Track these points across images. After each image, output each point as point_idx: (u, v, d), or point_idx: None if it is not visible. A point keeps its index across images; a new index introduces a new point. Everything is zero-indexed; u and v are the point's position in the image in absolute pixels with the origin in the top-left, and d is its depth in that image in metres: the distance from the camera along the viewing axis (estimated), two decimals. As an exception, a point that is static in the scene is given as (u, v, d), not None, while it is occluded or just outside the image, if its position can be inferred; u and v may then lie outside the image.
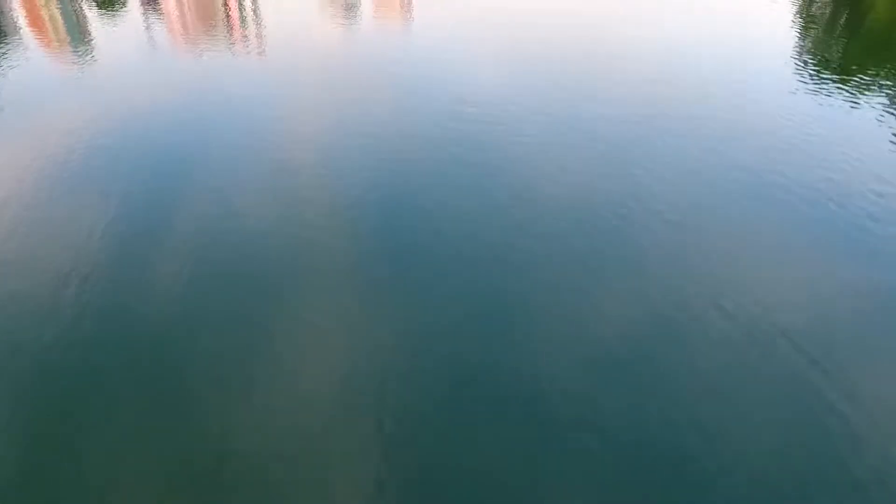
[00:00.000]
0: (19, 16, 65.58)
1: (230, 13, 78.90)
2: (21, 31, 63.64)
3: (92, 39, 65.19)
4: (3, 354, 18.63)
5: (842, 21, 51.50)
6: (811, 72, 41.88)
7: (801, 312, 21.64)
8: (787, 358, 18.77)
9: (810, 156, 31.24)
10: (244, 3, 76.41)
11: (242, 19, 68.75)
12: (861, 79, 39.97)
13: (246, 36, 63.66)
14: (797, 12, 57.30)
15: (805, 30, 52.27)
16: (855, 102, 35.73)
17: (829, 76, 41.93)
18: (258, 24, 71.28)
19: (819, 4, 59.88)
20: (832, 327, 20.57)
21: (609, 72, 56.13)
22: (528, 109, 45.76)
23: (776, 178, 32.23)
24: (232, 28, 65.78)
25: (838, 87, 38.49)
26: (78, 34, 69.83)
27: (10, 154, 35.80)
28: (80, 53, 60.65)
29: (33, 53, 55.67)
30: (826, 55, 45.37)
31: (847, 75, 41.80)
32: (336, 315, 23.39)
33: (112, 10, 74.38)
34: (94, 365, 18.63)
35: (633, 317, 23.33)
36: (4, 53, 57.29)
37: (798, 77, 41.02)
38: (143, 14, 74.64)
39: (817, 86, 38.77)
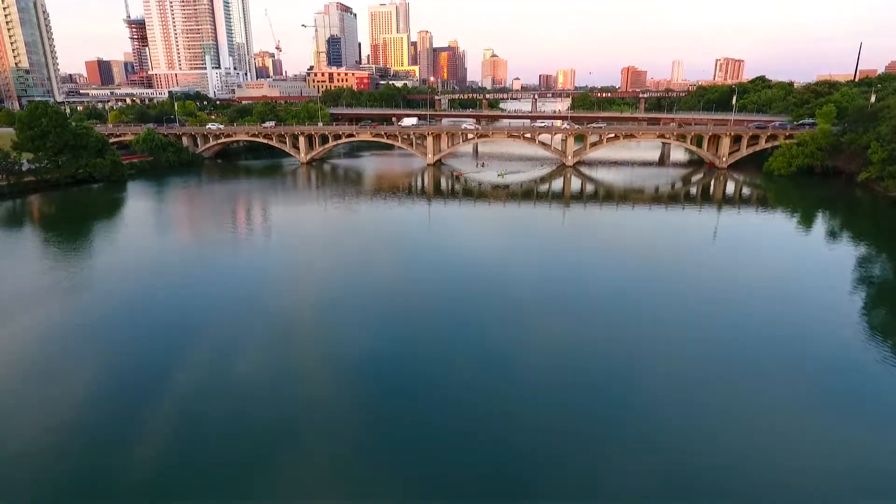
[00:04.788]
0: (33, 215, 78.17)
1: (237, 210, 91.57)
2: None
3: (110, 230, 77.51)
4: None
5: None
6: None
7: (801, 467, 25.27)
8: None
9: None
10: (252, 207, 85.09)
11: (249, 216, 76.50)
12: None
13: (252, 227, 74.48)
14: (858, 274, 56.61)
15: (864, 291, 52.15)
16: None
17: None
18: (265, 217, 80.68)
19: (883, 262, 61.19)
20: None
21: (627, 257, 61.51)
22: (532, 285, 50.38)
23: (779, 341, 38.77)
24: (239, 222, 73.79)
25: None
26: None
27: (36, 318, 43.76)
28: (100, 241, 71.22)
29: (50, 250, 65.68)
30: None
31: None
32: (334, 475, 23.43)
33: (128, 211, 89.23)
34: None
35: (641, 469, 24.09)
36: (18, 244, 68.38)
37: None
38: (156, 211, 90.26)
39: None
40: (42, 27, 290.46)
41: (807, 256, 62.11)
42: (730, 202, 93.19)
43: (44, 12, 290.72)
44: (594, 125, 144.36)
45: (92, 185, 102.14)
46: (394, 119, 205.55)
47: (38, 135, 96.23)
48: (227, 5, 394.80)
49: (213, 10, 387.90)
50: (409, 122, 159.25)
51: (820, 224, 79.32)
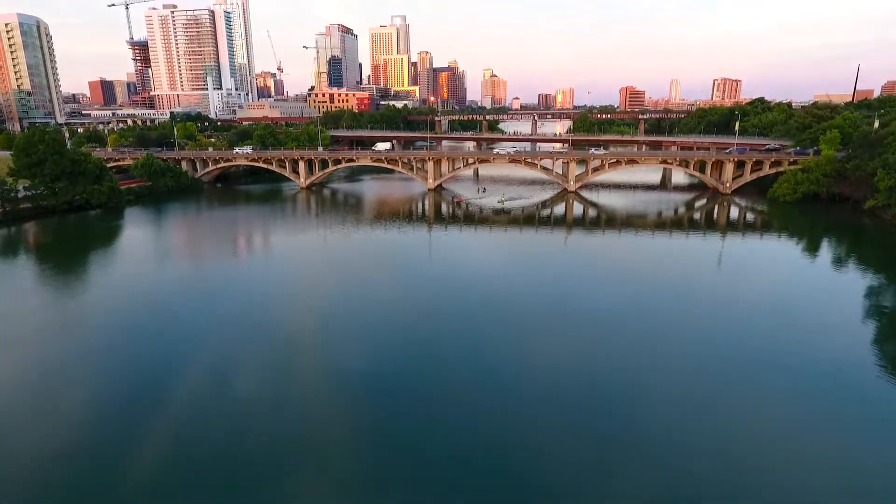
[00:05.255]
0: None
1: (237, 237, 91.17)
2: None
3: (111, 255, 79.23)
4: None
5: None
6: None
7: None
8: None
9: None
10: (252, 234, 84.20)
11: (249, 243, 76.21)
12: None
13: (251, 254, 74.73)
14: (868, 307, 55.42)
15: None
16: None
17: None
18: (265, 244, 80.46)
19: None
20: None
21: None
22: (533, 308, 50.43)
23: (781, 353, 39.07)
24: (238, 249, 73.82)
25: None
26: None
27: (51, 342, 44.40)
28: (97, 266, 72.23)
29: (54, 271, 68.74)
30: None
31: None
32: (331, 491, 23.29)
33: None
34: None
35: (644, 484, 24.02)
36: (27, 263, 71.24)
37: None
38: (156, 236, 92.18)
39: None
40: (45, 50, 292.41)
41: (812, 283, 61.73)
42: (734, 227, 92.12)
43: (47, 35, 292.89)
44: (596, 150, 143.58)
45: (89, 212, 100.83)
46: (394, 142, 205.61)
47: (34, 161, 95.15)
48: (229, 27, 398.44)
49: (215, 31, 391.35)
50: (382, 146, 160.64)
51: (827, 251, 78.17)
